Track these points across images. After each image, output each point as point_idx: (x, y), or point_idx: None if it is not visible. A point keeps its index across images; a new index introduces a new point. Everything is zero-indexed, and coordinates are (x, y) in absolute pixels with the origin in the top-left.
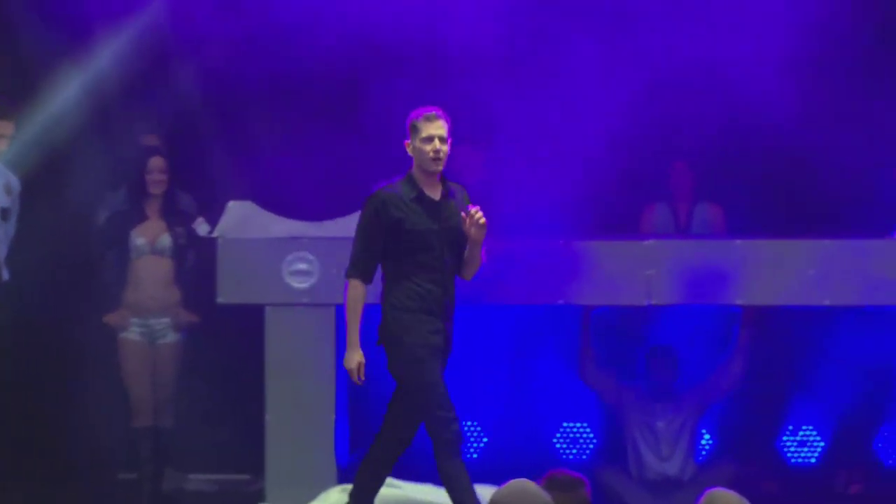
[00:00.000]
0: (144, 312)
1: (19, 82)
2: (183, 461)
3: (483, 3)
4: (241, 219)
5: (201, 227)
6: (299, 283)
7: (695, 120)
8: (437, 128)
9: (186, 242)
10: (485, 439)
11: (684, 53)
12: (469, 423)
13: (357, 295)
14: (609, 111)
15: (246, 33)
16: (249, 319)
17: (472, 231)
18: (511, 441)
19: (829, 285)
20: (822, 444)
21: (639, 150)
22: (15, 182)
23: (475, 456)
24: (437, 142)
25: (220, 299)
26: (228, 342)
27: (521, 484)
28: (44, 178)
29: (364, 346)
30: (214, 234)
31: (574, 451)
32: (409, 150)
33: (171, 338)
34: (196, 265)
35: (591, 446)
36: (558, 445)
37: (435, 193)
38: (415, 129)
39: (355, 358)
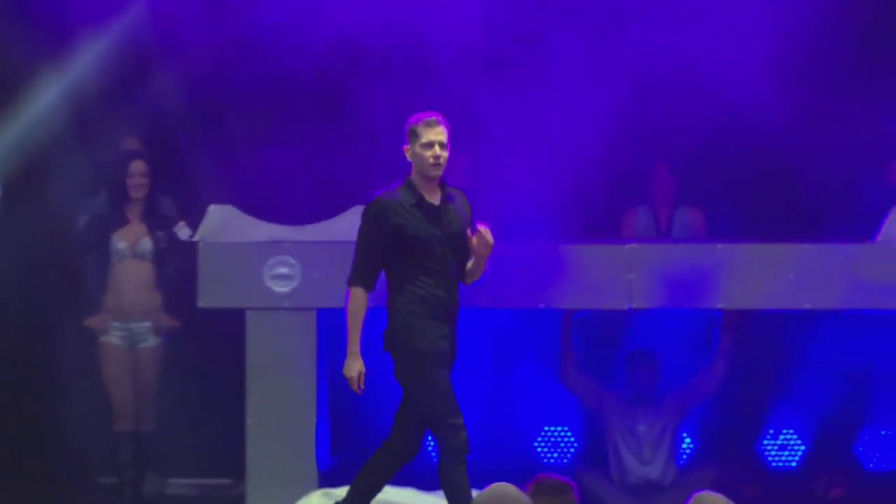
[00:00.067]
0: (125, 316)
1: None
2: (164, 465)
3: (467, 7)
4: (221, 223)
5: (182, 231)
6: (280, 287)
7: (677, 124)
8: (438, 133)
9: (167, 246)
10: None
11: (667, 58)
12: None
13: (359, 303)
14: (591, 115)
15: (228, 36)
16: (230, 323)
17: (481, 249)
18: (492, 445)
19: (809, 289)
20: (802, 447)
21: (620, 153)
22: None
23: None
24: (437, 147)
25: (201, 303)
26: (209, 346)
27: (502, 488)
28: (24, 181)
29: (365, 353)
30: (195, 238)
31: (555, 455)
32: (409, 156)
33: (152, 342)
34: (177, 269)
35: (573, 450)
36: (539, 449)
37: (435, 199)
38: (414, 135)
39: (356, 367)
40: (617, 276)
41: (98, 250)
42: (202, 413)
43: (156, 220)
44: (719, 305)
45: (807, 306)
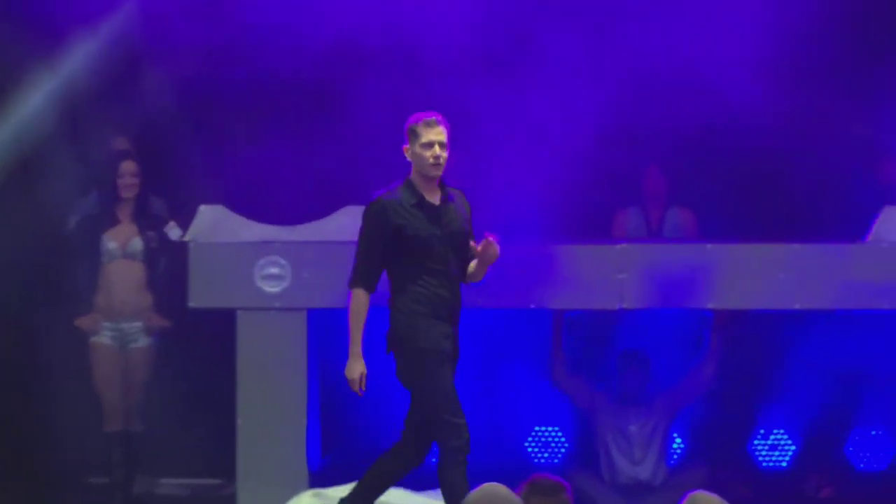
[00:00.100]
0: (116, 316)
1: None
2: (154, 465)
3: (458, 7)
4: (212, 223)
5: (173, 231)
6: (271, 288)
7: (668, 124)
8: (438, 133)
9: (158, 246)
10: None
11: (658, 59)
12: None
13: (361, 305)
14: (582, 115)
15: (219, 37)
16: (221, 323)
17: (486, 257)
18: (483, 445)
19: (799, 289)
20: (793, 447)
21: (612, 154)
22: None
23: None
24: (437, 147)
25: (192, 303)
26: (200, 346)
27: (493, 488)
28: (15, 181)
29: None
30: (186, 239)
31: (546, 455)
32: (408, 155)
33: (143, 342)
34: (168, 269)
35: (563, 450)
36: (530, 450)
37: (435, 198)
38: (414, 134)
39: (357, 368)
40: (608, 276)
41: (89, 250)
42: (193, 413)
43: (146, 221)
44: (710, 305)
45: (797, 306)
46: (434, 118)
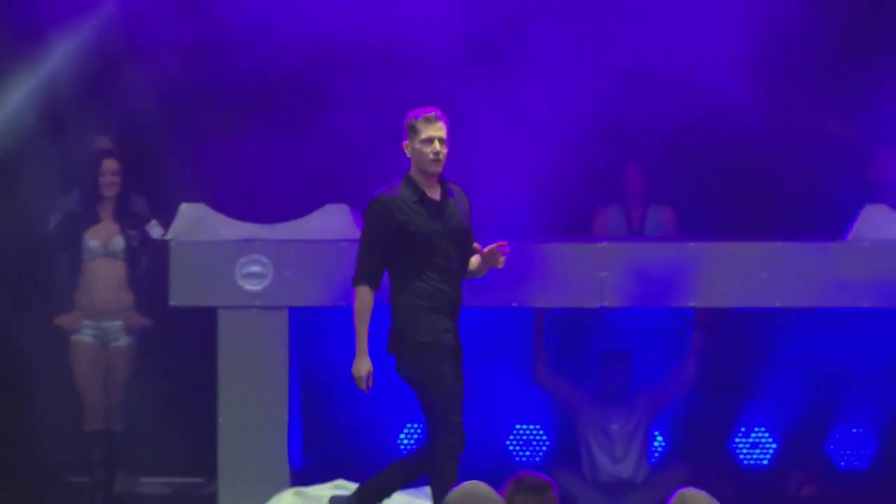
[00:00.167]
0: (97, 315)
1: None
2: (135, 464)
3: (440, 5)
4: (193, 221)
5: (154, 230)
6: (252, 286)
7: (649, 122)
8: (437, 129)
9: (139, 245)
10: None
11: (640, 57)
12: (420, 427)
13: (366, 302)
14: (563, 114)
15: (200, 35)
16: (202, 322)
17: (490, 263)
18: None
19: (780, 288)
20: (774, 445)
21: (593, 152)
22: None
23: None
24: (436, 143)
25: (173, 302)
26: (181, 345)
27: (474, 486)
28: None
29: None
30: (167, 237)
31: (527, 453)
32: (408, 151)
33: (124, 341)
34: (149, 268)
35: (545, 449)
36: (512, 448)
37: (435, 194)
38: (413, 130)
39: (364, 366)
40: (589, 274)
41: (70, 249)
42: (174, 412)
43: (128, 219)
44: (691, 304)
45: (778, 305)
46: (433, 114)
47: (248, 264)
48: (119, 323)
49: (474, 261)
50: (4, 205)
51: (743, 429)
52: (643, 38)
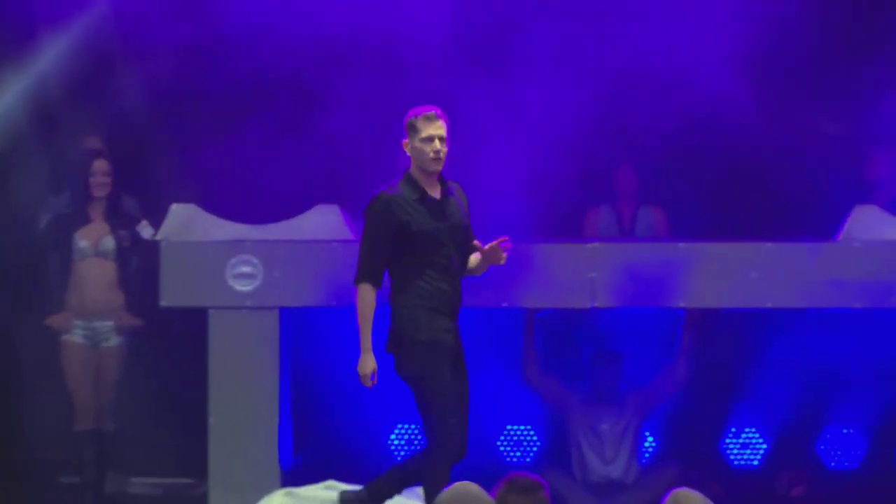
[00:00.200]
0: (88, 315)
1: None
2: (126, 464)
3: (432, 5)
4: (184, 222)
5: (145, 230)
6: (243, 287)
7: (640, 123)
8: (438, 128)
9: (130, 245)
10: None
11: (631, 57)
12: (411, 427)
13: (370, 301)
14: (554, 114)
15: (191, 34)
16: (193, 322)
17: (492, 259)
18: None
19: (771, 288)
20: (764, 446)
21: (584, 152)
22: None
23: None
24: (437, 142)
25: (164, 302)
26: (172, 345)
27: (464, 487)
28: None
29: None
30: (158, 237)
31: (518, 453)
32: (408, 150)
33: (115, 341)
34: (139, 268)
35: (535, 449)
36: (502, 448)
37: (435, 192)
38: (413, 129)
39: (370, 364)
40: (580, 274)
41: (60, 249)
42: (164, 412)
43: (118, 219)
44: (682, 304)
45: (769, 305)
46: (433, 112)
47: (238, 265)
48: (109, 323)
49: (473, 259)
50: None
51: (733, 429)
52: (637, 38)
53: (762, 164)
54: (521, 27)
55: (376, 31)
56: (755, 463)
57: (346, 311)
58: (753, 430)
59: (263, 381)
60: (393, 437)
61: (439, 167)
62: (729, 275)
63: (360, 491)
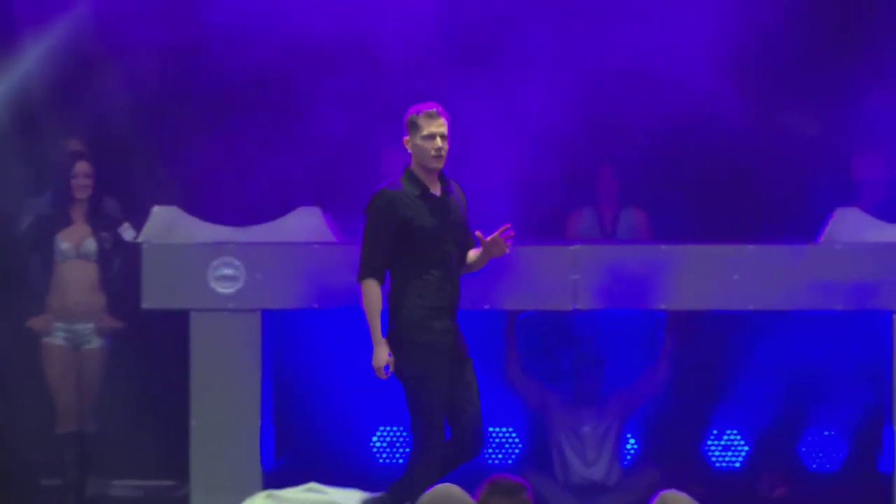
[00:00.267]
0: (69, 317)
1: None
2: (107, 467)
3: (414, 6)
4: (166, 224)
5: (127, 232)
6: (225, 289)
7: (622, 125)
8: (439, 125)
9: (112, 247)
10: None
11: (613, 58)
12: (393, 430)
13: (375, 295)
14: (536, 116)
15: (173, 37)
16: (175, 325)
17: (493, 252)
18: None
19: (753, 290)
20: (746, 448)
21: (565, 154)
22: None
23: (401, 461)
24: (438, 139)
25: (145, 304)
26: (153, 347)
27: (446, 489)
28: None
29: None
30: (139, 239)
31: (499, 456)
32: (408, 147)
33: (96, 343)
34: (121, 270)
35: (517, 451)
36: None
37: (436, 190)
38: (415, 126)
39: (383, 357)
40: (561, 276)
41: (42, 251)
42: (146, 414)
43: (100, 221)
44: (663, 306)
45: (750, 307)
46: (434, 109)
47: (220, 267)
48: (91, 325)
49: (472, 254)
50: None
51: (715, 431)
52: (619, 40)
53: (744, 166)
54: (506, 29)
55: (360, 32)
56: (737, 465)
57: (328, 313)
58: (735, 432)
59: (245, 383)
60: (375, 439)
61: (440, 164)
62: (711, 277)
63: (383, 495)
